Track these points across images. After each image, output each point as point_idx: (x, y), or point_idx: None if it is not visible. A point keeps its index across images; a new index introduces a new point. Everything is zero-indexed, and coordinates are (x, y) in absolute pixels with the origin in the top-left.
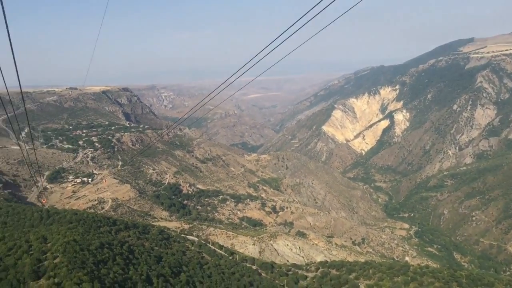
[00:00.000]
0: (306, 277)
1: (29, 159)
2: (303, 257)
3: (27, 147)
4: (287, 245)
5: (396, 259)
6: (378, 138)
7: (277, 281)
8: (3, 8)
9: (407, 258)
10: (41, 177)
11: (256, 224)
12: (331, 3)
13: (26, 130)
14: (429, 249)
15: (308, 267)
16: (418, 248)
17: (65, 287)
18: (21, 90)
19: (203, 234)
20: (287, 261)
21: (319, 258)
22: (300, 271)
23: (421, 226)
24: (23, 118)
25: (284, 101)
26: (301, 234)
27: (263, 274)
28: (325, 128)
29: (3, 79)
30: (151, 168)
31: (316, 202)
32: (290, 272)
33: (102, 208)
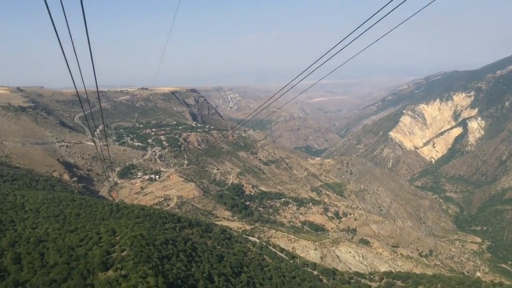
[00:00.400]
0: (370, 286)
1: (102, 155)
2: (366, 265)
3: (101, 144)
4: (350, 252)
5: (466, 274)
6: (450, 146)
7: None
8: (83, 13)
9: (478, 274)
10: (113, 172)
11: (318, 229)
12: (401, 3)
13: (100, 128)
14: (503, 265)
15: (371, 276)
16: (490, 264)
17: (131, 279)
18: (97, 90)
19: (264, 236)
20: (349, 268)
21: (383, 268)
22: (363, 280)
23: (495, 240)
24: (98, 116)
25: (350, 105)
26: (365, 242)
27: (324, 280)
28: (392, 134)
29: (82, 79)
30: (215, 168)
31: (381, 210)
32: (353, 280)
33: (168, 205)
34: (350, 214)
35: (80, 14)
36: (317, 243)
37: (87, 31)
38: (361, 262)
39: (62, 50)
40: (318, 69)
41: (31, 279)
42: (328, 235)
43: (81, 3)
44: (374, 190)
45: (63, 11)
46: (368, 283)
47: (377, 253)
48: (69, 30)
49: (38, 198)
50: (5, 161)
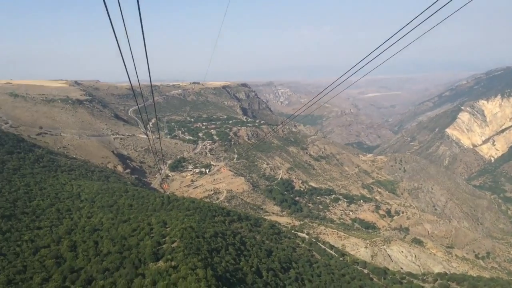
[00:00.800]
0: (422, 287)
1: (155, 148)
2: (418, 266)
3: (153, 137)
4: (402, 251)
5: None
6: (511, 144)
7: None
8: (139, 10)
9: None
10: (164, 165)
11: (368, 227)
12: None
13: (153, 121)
14: None
15: (424, 277)
16: None
17: (181, 271)
18: (151, 84)
19: (313, 232)
20: (401, 268)
21: (437, 269)
22: (415, 281)
23: None
24: (151, 109)
25: (404, 101)
26: (417, 242)
27: (375, 280)
28: (449, 131)
29: (136, 74)
30: (265, 163)
31: (436, 209)
32: (405, 281)
33: (217, 199)
34: (403, 213)
35: (135, 10)
36: (367, 241)
37: (142, 28)
38: (413, 262)
39: (119, 46)
40: (370, 63)
41: (86, 267)
42: (379, 233)
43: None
44: (428, 189)
45: (120, 8)
46: (421, 284)
47: (430, 253)
48: (125, 27)
49: (93, 188)
50: (63, 152)
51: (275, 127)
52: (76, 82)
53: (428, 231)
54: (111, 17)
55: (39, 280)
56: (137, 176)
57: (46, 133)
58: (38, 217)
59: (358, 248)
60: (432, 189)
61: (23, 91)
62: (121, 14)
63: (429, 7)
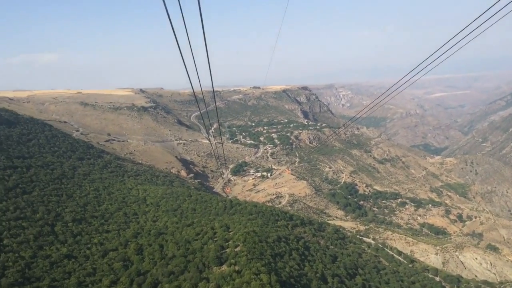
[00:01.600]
0: None
1: (217, 152)
2: (494, 274)
3: (215, 142)
4: (476, 258)
5: None
6: None
7: None
8: (202, 20)
9: None
10: (227, 169)
11: (438, 232)
12: None
13: (214, 126)
14: None
15: (502, 286)
16: None
17: (245, 275)
18: (213, 90)
19: (379, 237)
20: (475, 276)
21: None
22: None
23: None
24: (213, 114)
25: (474, 101)
26: (493, 248)
27: None
28: None
29: (199, 80)
30: (328, 166)
31: (511, 214)
32: None
33: (280, 203)
34: (476, 218)
35: (198, 19)
36: (438, 247)
37: (205, 38)
38: (489, 270)
39: (181, 55)
40: (436, 62)
41: (151, 270)
42: (450, 239)
43: (200, 12)
44: (503, 192)
45: (183, 20)
46: None
47: (507, 260)
48: (188, 39)
49: (158, 193)
50: (129, 157)
51: (336, 129)
52: (141, 90)
53: (503, 237)
54: (174, 29)
55: (107, 282)
56: (200, 180)
57: (113, 140)
58: (106, 220)
59: (428, 255)
60: (507, 192)
61: (92, 100)
62: (185, 25)
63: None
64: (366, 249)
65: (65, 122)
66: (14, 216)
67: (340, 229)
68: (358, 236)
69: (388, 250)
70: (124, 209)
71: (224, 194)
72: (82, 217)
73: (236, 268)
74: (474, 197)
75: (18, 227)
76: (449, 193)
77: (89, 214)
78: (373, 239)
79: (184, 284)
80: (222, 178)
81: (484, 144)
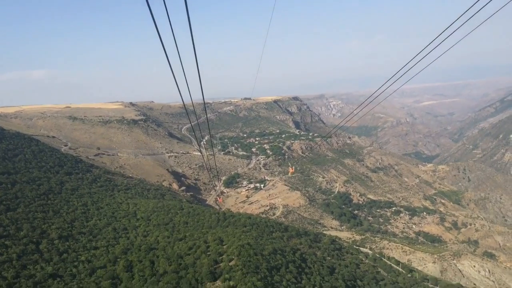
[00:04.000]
0: None
1: (209, 164)
2: (493, 281)
3: (207, 153)
4: (474, 266)
5: None
6: None
7: None
8: (191, 32)
9: None
10: (219, 181)
11: (434, 240)
12: None
13: (206, 138)
14: None
15: None
16: None
17: None
18: (203, 102)
19: (376, 247)
20: (474, 284)
21: None
22: None
23: None
24: (204, 126)
25: (463, 108)
26: (489, 255)
27: None
28: None
29: (189, 92)
30: (321, 176)
31: (506, 220)
32: None
33: (274, 214)
34: (471, 225)
35: (186, 31)
36: (435, 256)
37: (194, 50)
38: (487, 278)
39: (171, 69)
40: (424, 71)
41: None
42: (446, 247)
43: (190, 27)
44: (496, 198)
45: (172, 33)
46: None
47: (505, 267)
48: (178, 51)
49: (149, 207)
50: (119, 171)
51: (324, 137)
52: (131, 103)
53: (499, 244)
54: (164, 43)
55: None
56: (192, 193)
57: (103, 154)
58: (95, 237)
59: (425, 263)
60: (500, 198)
61: (81, 114)
62: (174, 39)
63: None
64: (363, 259)
65: (53, 137)
66: None
67: (336, 240)
68: (354, 246)
69: (386, 260)
70: (114, 224)
71: (217, 207)
72: (69, 234)
73: (231, 283)
74: (468, 204)
75: (0, 246)
76: (442, 201)
77: (77, 230)
78: (370, 249)
79: None
80: (215, 190)
81: (475, 151)
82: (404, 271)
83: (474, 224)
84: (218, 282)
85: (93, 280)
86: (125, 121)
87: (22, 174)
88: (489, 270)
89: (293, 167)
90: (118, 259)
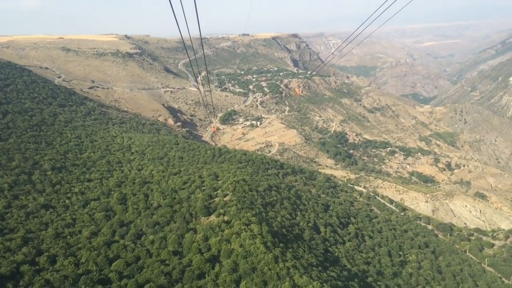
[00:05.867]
0: (493, 245)
1: (205, 100)
2: (484, 221)
3: (204, 89)
4: (466, 206)
5: None
6: None
7: (456, 246)
8: None
9: None
10: (215, 117)
11: (427, 180)
12: None
13: (203, 74)
14: None
15: (495, 234)
16: None
17: (234, 226)
18: (200, 36)
19: (370, 185)
20: (465, 224)
21: (504, 225)
22: (484, 238)
23: None
24: (201, 62)
25: (463, 50)
26: (481, 196)
27: (440, 236)
28: None
29: (187, 26)
30: (318, 115)
31: (499, 162)
32: (473, 237)
33: (269, 152)
34: (464, 166)
35: None
36: (428, 195)
37: None
38: (478, 218)
39: (170, 2)
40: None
41: (135, 220)
42: (439, 187)
43: None
44: (491, 141)
45: None
46: (491, 241)
47: (496, 208)
48: None
49: (144, 141)
50: (114, 105)
51: (327, 78)
52: (126, 36)
53: (491, 185)
54: None
55: (87, 234)
56: (188, 129)
57: (97, 87)
58: (88, 169)
59: (418, 203)
60: (495, 141)
61: (75, 46)
62: None
63: None
64: (357, 197)
65: (46, 68)
66: None
67: (331, 178)
68: (349, 185)
69: (379, 199)
70: (108, 157)
71: (213, 143)
72: (62, 166)
73: (225, 218)
74: (462, 146)
75: None
76: (437, 142)
77: (70, 162)
78: (364, 187)
79: (169, 235)
80: (211, 126)
81: (473, 93)
82: (397, 210)
83: (468, 166)
84: (213, 217)
85: (86, 212)
86: (120, 54)
87: (13, 104)
88: (480, 210)
89: (300, 88)
90: (112, 192)
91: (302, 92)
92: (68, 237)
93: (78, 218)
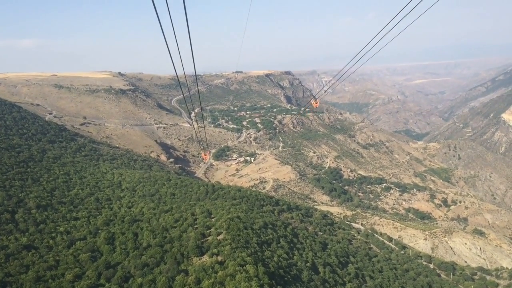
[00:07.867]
0: (497, 284)
1: (199, 136)
2: (484, 259)
3: (197, 125)
4: (465, 243)
5: None
6: None
7: (460, 286)
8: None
9: None
10: (209, 153)
11: (424, 217)
12: None
13: (196, 110)
14: None
15: (499, 273)
16: None
17: (229, 267)
18: (195, 74)
19: (367, 222)
20: (465, 262)
21: (506, 263)
22: (488, 277)
23: None
24: (194, 99)
25: (454, 87)
26: (479, 233)
27: (442, 275)
28: (505, 116)
29: (182, 63)
30: (312, 151)
31: (495, 198)
32: (476, 277)
33: (264, 188)
34: (460, 202)
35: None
36: (426, 233)
37: (187, 23)
38: (478, 256)
39: (165, 38)
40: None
41: (123, 262)
42: (436, 223)
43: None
44: (486, 177)
45: (168, 8)
46: (496, 280)
47: (496, 245)
48: (172, 25)
49: (135, 177)
50: (105, 141)
51: (321, 114)
52: (119, 73)
53: (488, 222)
54: (158, 14)
55: (70, 277)
56: (180, 165)
57: (89, 123)
58: (76, 207)
59: (416, 240)
60: (490, 177)
61: (67, 83)
62: (168, 11)
63: None
64: (355, 235)
65: (37, 104)
66: None
67: (328, 215)
68: (346, 222)
69: (378, 236)
70: (97, 194)
71: (206, 179)
72: (48, 203)
73: (219, 258)
74: (457, 182)
75: None
76: (432, 178)
77: (57, 200)
78: (361, 224)
79: (159, 278)
80: (204, 162)
81: (465, 130)
82: (396, 248)
83: (464, 202)
84: (205, 257)
85: (71, 253)
86: (113, 91)
87: (0, 140)
88: (480, 248)
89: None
90: (100, 231)
91: (295, 128)
92: (50, 280)
93: (61, 260)
